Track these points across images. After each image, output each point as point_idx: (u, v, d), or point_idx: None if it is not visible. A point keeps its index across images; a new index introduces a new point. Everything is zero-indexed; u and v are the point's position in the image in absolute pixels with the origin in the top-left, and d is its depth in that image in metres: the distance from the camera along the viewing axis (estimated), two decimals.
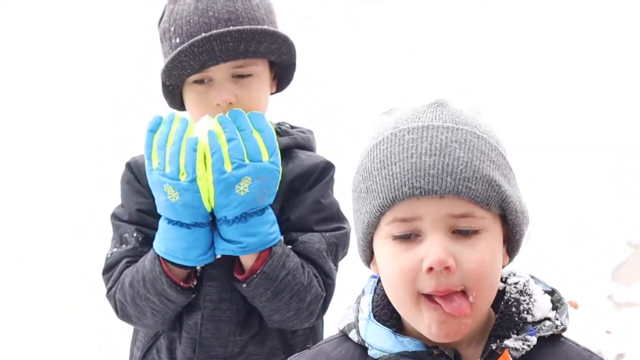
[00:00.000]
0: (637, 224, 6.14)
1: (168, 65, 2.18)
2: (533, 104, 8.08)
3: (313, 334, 2.36)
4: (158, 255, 2.17)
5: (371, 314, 1.60)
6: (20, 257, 5.29)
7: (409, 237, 1.50)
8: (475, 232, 1.49)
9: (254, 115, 2.13)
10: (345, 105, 7.71)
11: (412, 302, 1.50)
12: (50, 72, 8.52)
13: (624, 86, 8.50)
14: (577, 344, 1.61)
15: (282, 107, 2.78)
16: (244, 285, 2.18)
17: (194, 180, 2.05)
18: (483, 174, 1.48)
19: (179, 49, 2.15)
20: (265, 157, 2.09)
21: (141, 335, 2.38)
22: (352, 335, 1.61)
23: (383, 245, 1.54)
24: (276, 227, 2.16)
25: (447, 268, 1.46)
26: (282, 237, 2.19)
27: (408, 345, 1.54)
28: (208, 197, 2.08)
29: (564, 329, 1.59)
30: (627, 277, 5.42)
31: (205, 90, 2.21)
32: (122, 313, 2.28)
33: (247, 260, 2.17)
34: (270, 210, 2.15)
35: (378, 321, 1.59)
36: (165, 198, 2.08)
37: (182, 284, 2.19)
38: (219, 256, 2.18)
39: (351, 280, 2.43)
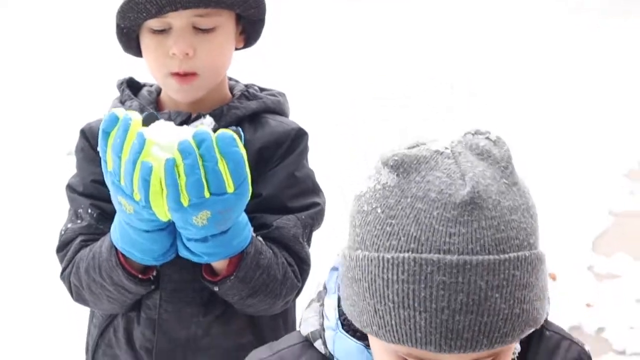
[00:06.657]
0: (618, 192, 6.05)
1: (123, 7, 1.99)
2: (536, 101, 8.15)
3: (283, 312, 2.20)
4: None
5: (339, 322, 1.44)
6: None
7: None
8: None
9: (222, 139, 1.78)
10: (321, 66, 7.65)
11: None
12: (49, 72, 8.49)
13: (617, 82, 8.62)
14: (558, 332, 1.53)
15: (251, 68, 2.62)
16: (216, 288, 1.99)
17: (147, 206, 1.80)
18: (523, 319, 1.27)
19: None
20: (230, 188, 1.80)
21: (97, 313, 2.23)
22: (318, 345, 1.47)
23: None
24: (247, 230, 1.94)
25: None
26: (252, 232, 1.98)
27: None
28: (166, 213, 1.82)
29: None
30: (608, 248, 5.30)
31: (163, 38, 2.03)
32: (77, 296, 2.12)
33: (217, 264, 1.98)
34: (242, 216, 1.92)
35: (347, 331, 1.43)
36: (120, 207, 1.85)
37: (140, 275, 2.01)
38: None
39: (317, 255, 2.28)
